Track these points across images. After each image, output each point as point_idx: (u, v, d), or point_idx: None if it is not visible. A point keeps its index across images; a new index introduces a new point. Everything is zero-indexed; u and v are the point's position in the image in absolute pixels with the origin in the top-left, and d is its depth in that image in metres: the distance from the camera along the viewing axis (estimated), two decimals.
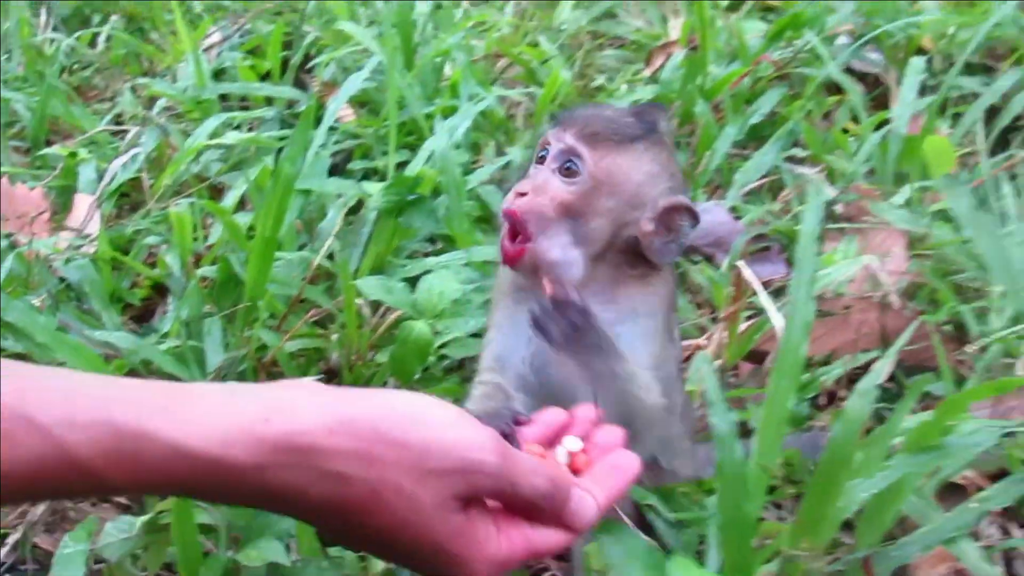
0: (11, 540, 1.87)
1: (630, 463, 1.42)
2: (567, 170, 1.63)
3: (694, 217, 1.67)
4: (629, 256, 1.68)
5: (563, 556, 1.76)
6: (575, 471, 1.41)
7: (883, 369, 1.69)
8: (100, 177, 2.84)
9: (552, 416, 1.51)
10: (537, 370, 1.70)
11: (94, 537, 1.65)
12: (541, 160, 1.67)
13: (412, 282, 2.27)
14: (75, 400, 1.08)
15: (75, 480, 1.08)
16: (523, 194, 1.63)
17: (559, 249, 1.63)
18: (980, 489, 1.77)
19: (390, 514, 1.18)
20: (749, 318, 2.34)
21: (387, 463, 1.16)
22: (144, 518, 1.66)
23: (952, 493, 1.78)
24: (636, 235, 1.66)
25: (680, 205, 1.65)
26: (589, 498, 1.33)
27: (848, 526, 1.71)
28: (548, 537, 1.31)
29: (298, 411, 1.15)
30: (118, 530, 1.66)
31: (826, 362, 2.27)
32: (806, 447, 1.89)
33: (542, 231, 1.62)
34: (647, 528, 1.67)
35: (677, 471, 1.77)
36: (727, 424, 1.54)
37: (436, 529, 1.20)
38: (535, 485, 1.26)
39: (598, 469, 1.40)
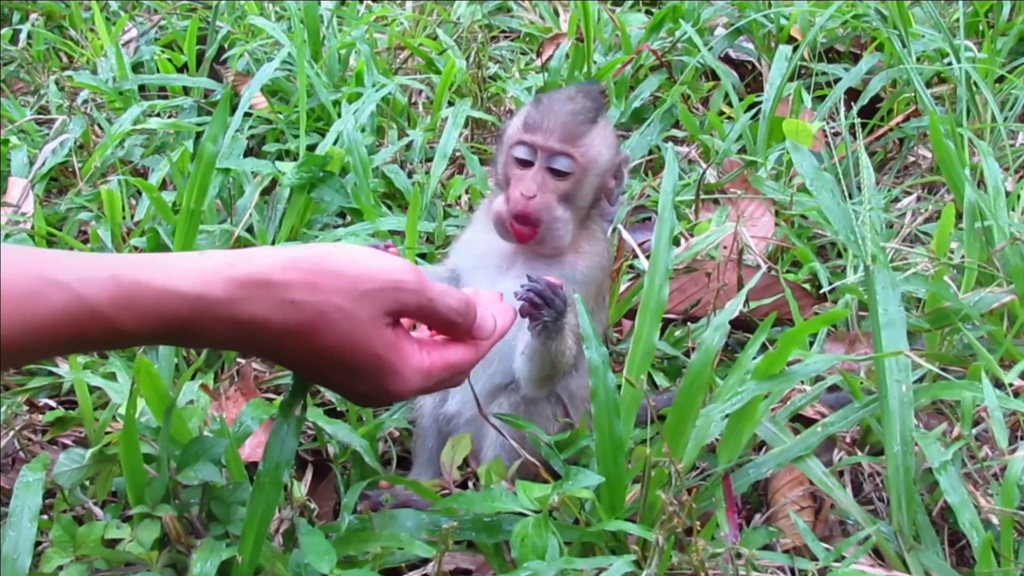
0: None
1: (512, 307, 1.73)
2: (560, 168, 1.91)
3: (627, 161, 2.04)
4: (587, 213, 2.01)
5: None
6: None
7: (735, 307, 1.92)
8: (31, 162, 3.00)
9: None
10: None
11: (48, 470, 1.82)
12: (527, 164, 1.93)
13: None
14: (84, 264, 1.35)
15: (93, 327, 1.33)
16: (531, 196, 1.89)
17: (562, 225, 1.92)
18: None
19: (335, 332, 1.46)
20: (632, 280, 2.59)
21: (329, 289, 1.45)
22: (93, 449, 1.83)
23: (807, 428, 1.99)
24: (603, 191, 2.00)
25: (625, 158, 2.02)
26: (490, 316, 1.64)
27: (714, 452, 1.93)
28: (459, 353, 1.61)
29: (254, 256, 1.45)
30: (71, 460, 1.84)
31: (697, 319, 2.51)
32: None
33: (548, 217, 1.91)
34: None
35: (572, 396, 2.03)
36: (600, 356, 1.78)
37: (373, 341, 1.49)
38: (449, 304, 1.55)
39: (492, 307, 1.69)
